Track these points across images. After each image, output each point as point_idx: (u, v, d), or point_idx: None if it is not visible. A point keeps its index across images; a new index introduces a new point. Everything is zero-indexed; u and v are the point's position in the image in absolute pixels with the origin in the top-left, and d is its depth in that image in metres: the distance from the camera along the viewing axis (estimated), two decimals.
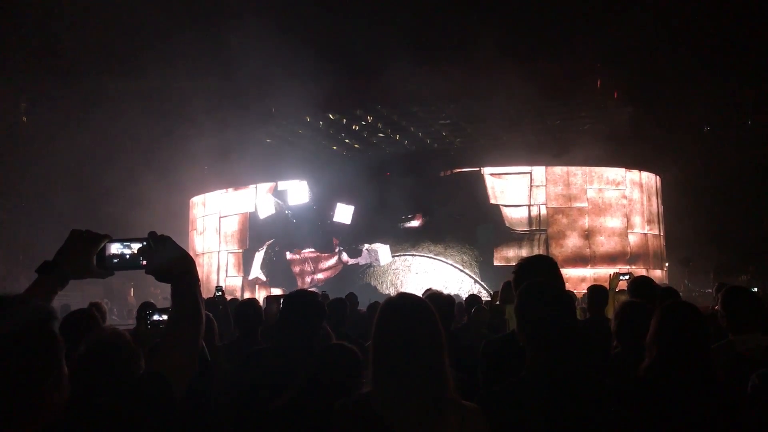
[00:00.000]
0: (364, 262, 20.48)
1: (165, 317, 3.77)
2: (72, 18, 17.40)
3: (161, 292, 20.52)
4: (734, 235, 22.29)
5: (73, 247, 1.83)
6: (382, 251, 20.25)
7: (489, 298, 13.42)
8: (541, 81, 17.19)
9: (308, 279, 21.08)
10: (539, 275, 2.82)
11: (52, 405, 1.38)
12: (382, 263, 20.28)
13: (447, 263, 19.85)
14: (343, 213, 20.48)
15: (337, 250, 20.78)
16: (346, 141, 23.58)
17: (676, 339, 2.52)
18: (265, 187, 22.58)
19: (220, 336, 5.56)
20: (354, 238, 20.56)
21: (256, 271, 21.94)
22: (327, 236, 20.83)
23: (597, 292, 5.50)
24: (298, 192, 21.24)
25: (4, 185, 25.88)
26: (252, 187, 22.86)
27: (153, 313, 3.81)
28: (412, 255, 20.26)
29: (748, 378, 2.62)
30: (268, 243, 21.80)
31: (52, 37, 18.35)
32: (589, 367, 2.44)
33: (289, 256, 21.42)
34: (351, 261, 20.57)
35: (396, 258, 20.41)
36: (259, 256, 21.93)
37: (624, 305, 3.68)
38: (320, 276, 20.87)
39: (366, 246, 20.34)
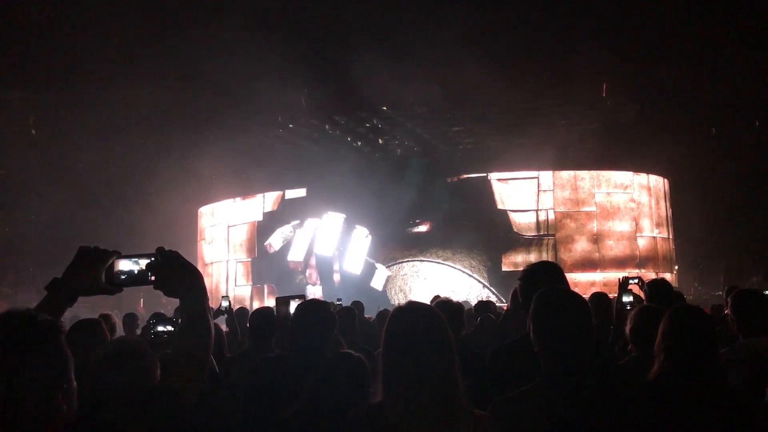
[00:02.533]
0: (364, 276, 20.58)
1: (169, 328, 3.78)
2: (77, 29, 17.52)
3: (168, 303, 20.56)
4: (744, 238, 22.17)
5: (82, 264, 1.83)
6: (379, 275, 20.29)
7: (500, 304, 13.39)
8: (547, 80, 17.16)
9: (315, 273, 21.31)
10: (544, 282, 2.80)
11: (62, 418, 1.39)
12: (372, 284, 20.31)
13: (455, 268, 19.81)
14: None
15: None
16: (354, 145, 23.60)
17: (684, 343, 2.50)
18: (272, 196, 22.63)
19: (228, 347, 5.56)
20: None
21: (273, 240, 22.06)
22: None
23: (600, 298, 5.47)
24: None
25: (15, 199, 26.07)
26: (259, 196, 22.93)
27: (157, 324, 3.81)
28: (420, 260, 20.25)
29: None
30: (294, 223, 21.84)
31: (60, 48, 18.46)
32: (603, 373, 2.43)
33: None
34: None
35: (404, 263, 20.41)
36: (281, 230, 22.06)
37: (639, 310, 3.66)
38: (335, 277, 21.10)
39: (376, 263, 20.41)
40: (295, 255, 21.65)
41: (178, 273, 1.83)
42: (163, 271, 1.82)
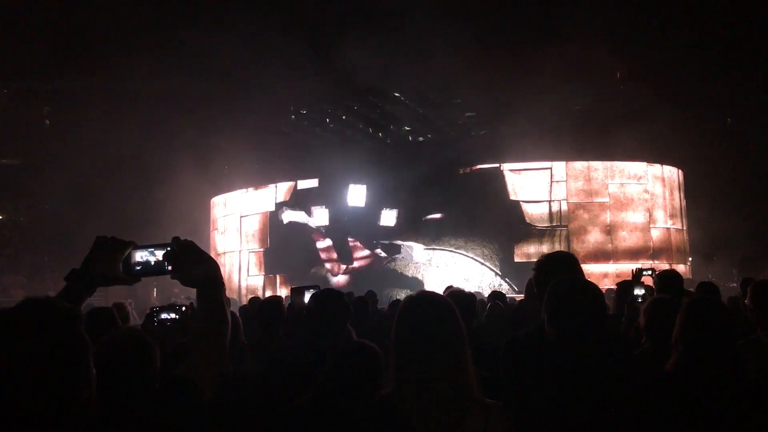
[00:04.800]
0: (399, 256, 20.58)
1: (173, 315, 3.77)
2: (90, 18, 17.55)
3: (181, 292, 20.71)
4: (759, 229, 21.97)
5: (99, 254, 1.85)
6: (417, 249, 20.31)
7: (511, 294, 13.34)
8: (562, 63, 17.00)
9: (337, 266, 21.25)
10: (560, 271, 2.79)
11: (82, 405, 1.40)
12: (415, 260, 20.31)
13: (468, 257, 19.79)
14: (356, 196, 20.71)
15: (377, 250, 20.87)
16: (367, 131, 23.53)
17: (702, 335, 2.49)
18: (285, 186, 22.66)
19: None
20: (386, 235, 20.56)
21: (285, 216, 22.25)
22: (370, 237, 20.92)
23: (627, 287, 5.40)
24: (356, 196, 21.23)
25: (29, 189, 26.29)
26: (272, 186, 22.98)
27: (160, 312, 3.80)
28: (433, 249, 20.24)
29: None
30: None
31: (73, 38, 18.53)
32: (619, 363, 2.42)
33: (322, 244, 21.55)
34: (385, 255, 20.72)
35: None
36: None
37: (653, 301, 3.64)
38: (354, 264, 21.04)
39: (401, 242, 20.40)
40: (319, 219, 21.67)
41: (194, 262, 1.84)
42: (179, 260, 1.83)
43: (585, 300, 2.29)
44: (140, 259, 1.87)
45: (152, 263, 1.87)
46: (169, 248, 1.85)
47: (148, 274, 1.88)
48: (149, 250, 1.88)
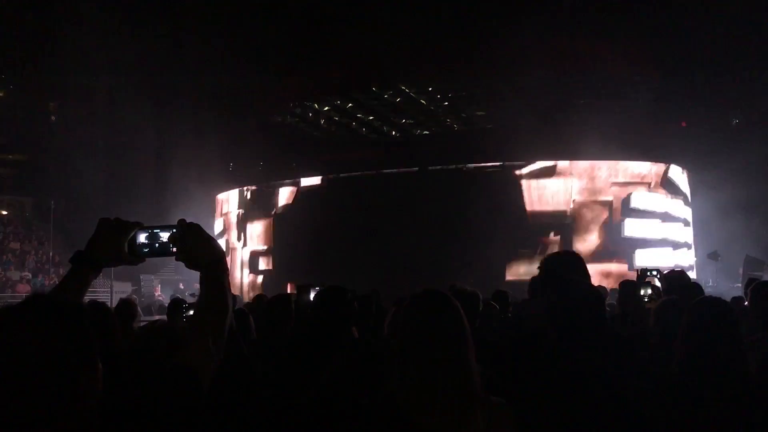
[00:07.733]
0: None
1: None
2: (93, 14, 17.55)
3: (186, 288, 20.77)
4: (764, 229, 21.90)
5: (104, 235, 1.85)
6: None
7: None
8: (567, 57, 16.91)
9: None
10: (565, 271, 2.80)
11: (87, 402, 1.40)
12: None
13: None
14: None
15: None
16: (375, 125, 23.47)
17: (707, 335, 2.48)
18: (289, 184, 22.66)
19: None
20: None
21: None
22: None
23: (629, 286, 5.41)
24: None
25: (34, 185, 26.37)
26: (276, 183, 22.99)
27: (189, 308, 3.83)
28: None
29: None
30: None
31: (75, 35, 18.53)
32: (622, 362, 2.43)
33: None
34: None
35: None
36: None
37: (662, 302, 3.64)
38: None
39: None
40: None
41: (199, 245, 1.83)
42: (184, 242, 1.83)
43: (586, 302, 2.30)
44: (145, 241, 1.87)
45: (157, 245, 1.86)
46: (174, 230, 1.86)
47: (153, 255, 1.88)
48: (155, 231, 1.88)
